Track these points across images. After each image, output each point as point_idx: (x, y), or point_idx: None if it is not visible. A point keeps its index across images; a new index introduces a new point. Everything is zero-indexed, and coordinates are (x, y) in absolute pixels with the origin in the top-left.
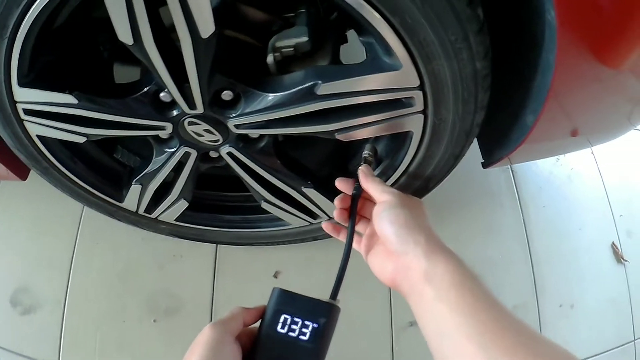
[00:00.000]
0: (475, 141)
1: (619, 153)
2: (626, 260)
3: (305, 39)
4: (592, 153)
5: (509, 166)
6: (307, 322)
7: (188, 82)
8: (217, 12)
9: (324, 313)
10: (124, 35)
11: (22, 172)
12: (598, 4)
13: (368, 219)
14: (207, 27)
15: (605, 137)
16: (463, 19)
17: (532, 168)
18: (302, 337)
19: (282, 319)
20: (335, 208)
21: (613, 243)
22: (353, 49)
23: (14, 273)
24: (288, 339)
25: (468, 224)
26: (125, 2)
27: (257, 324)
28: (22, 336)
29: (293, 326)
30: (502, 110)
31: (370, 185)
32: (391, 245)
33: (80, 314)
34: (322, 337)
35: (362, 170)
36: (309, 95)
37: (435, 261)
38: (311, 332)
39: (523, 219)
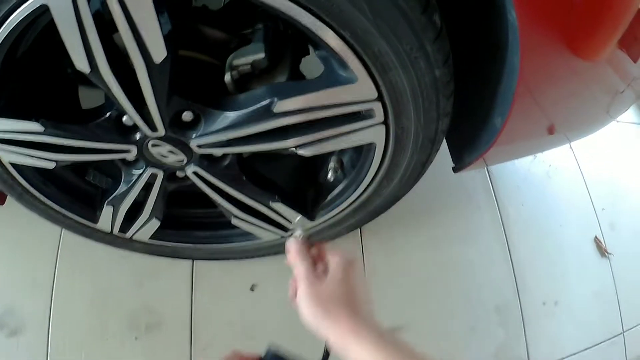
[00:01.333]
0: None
1: (598, 146)
2: (610, 254)
3: (262, 55)
4: (571, 148)
5: (484, 167)
6: None
7: (147, 105)
8: (170, 34)
9: None
10: (81, 63)
11: None
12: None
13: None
14: (159, 52)
15: (584, 131)
16: (417, 28)
17: (509, 167)
18: None
19: None
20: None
21: (596, 237)
22: (316, 60)
23: None
24: None
25: (446, 228)
26: (79, 31)
27: None
28: (10, 358)
29: None
30: (469, 114)
31: (294, 265)
32: (309, 325)
33: (64, 334)
34: None
35: (293, 248)
36: (267, 113)
37: (358, 325)
38: None
39: (501, 219)
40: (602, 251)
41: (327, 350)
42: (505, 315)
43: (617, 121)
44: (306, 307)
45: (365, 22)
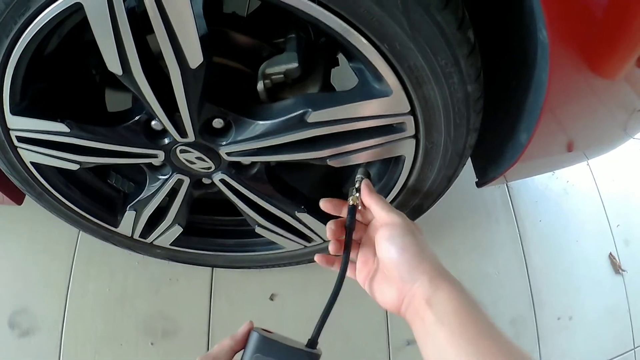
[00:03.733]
0: (469, 159)
1: (615, 164)
2: (624, 270)
3: (295, 65)
4: (588, 165)
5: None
6: None
7: (178, 111)
8: (206, 39)
9: None
10: (113, 65)
11: (17, 197)
12: (590, 20)
13: (358, 244)
14: (195, 57)
15: (601, 149)
16: (453, 43)
17: (528, 182)
18: None
19: None
20: (329, 240)
21: (610, 254)
22: (345, 72)
23: (12, 295)
24: None
25: (464, 240)
26: (114, 33)
27: None
28: (21, 359)
29: None
30: (495, 129)
31: (374, 202)
32: (398, 273)
33: (77, 337)
34: None
35: (366, 185)
36: (300, 123)
37: (438, 288)
38: None
39: (519, 234)
40: (616, 267)
41: (316, 335)
42: (521, 330)
43: (634, 139)
44: (407, 242)
45: (404, 36)
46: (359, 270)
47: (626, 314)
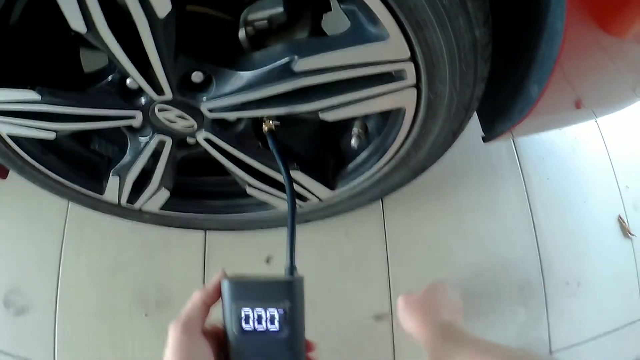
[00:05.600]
0: (475, 113)
1: (624, 122)
2: (633, 235)
3: (280, 9)
4: (596, 122)
5: (510, 138)
6: (271, 311)
7: (152, 66)
8: None
9: (285, 294)
10: (76, 23)
11: (0, 171)
12: None
13: None
14: (163, 5)
15: (610, 108)
16: None
17: (535, 139)
18: (272, 328)
19: (243, 316)
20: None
21: (619, 216)
22: (339, 18)
23: (5, 274)
24: (257, 335)
25: (469, 198)
26: None
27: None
28: (17, 337)
29: (257, 319)
30: (504, 80)
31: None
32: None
33: (72, 313)
34: (292, 321)
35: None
36: (286, 72)
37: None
38: (279, 320)
39: (526, 192)
40: (625, 231)
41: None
42: (529, 295)
43: None
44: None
45: None
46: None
47: (635, 282)
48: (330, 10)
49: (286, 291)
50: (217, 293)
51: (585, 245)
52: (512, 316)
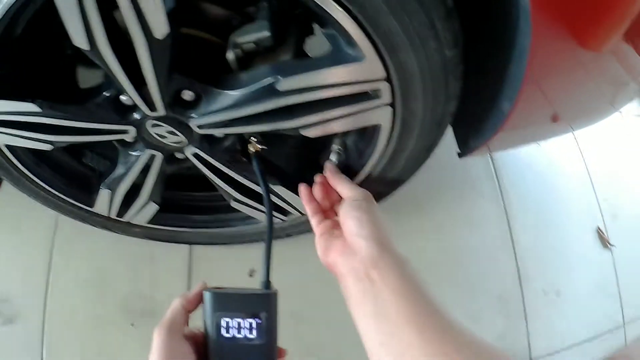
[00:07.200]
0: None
1: (601, 135)
2: (612, 245)
3: (266, 34)
4: (574, 137)
5: (487, 153)
6: (248, 321)
7: (146, 84)
8: (173, 9)
9: (262, 305)
10: (79, 40)
11: None
12: None
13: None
14: (161, 27)
15: (587, 121)
16: (428, 5)
17: (513, 154)
18: (249, 335)
19: (223, 324)
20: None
21: (598, 228)
22: (321, 42)
23: None
24: (236, 342)
25: (449, 214)
26: (78, 6)
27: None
28: (5, 346)
29: (236, 328)
30: (476, 97)
31: (337, 182)
32: (351, 228)
33: (60, 322)
34: (267, 330)
35: (329, 168)
36: (270, 91)
37: (385, 251)
38: (256, 329)
39: (504, 207)
40: (605, 242)
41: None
42: (507, 304)
43: (621, 112)
44: (365, 207)
45: None
46: (320, 227)
47: (615, 290)
48: (313, 34)
49: (263, 302)
50: (197, 301)
51: (565, 257)
52: (492, 325)
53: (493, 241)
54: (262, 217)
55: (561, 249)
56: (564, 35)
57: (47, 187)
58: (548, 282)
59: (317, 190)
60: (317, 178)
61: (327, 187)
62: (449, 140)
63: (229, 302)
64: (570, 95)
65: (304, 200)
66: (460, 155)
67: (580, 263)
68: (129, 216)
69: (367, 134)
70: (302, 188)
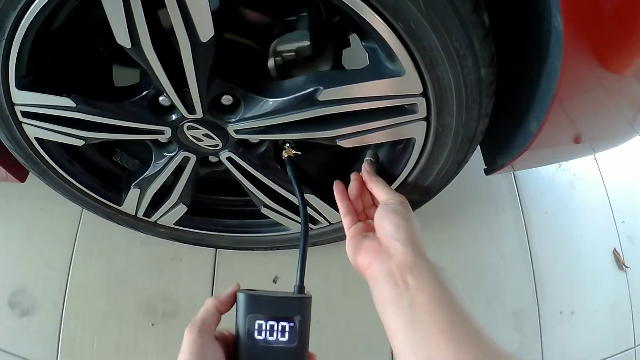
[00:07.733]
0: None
1: (622, 159)
2: (627, 267)
3: (306, 43)
4: (595, 159)
5: (511, 172)
6: (282, 324)
7: (187, 86)
8: (217, 15)
9: (296, 309)
10: (122, 38)
11: (20, 174)
12: (604, 10)
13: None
14: (206, 31)
15: (608, 143)
16: (468, 25)
17: (535, 173)
18: (281, 339)
19: (256, 326)
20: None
21: (614, 249)
22: (356, 53)
23: (12, 274)
24: (268, 345)
25: (470, 229)
26: (123, 4)
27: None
28: (20, 338)
29: (269, 330)
30: (505, 116)
31: (374, 184)
32: (387, 231)
33: (77, 316)
34: (300, 334)
35: (366, 169)
36: (310, 101)
37: (421, 257)
38: (289, 332)
39: (525, 224)
40: (620, 264)
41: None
42: (523, 322)
43: None
44: (404, 212)
45: (419, 15)
46: (353, 229)
47: (628, 311)
48: (350, 46)
49: (297, 306)
50: (230, 302)
51: (581, 276)
52: (507, 341)
53: (512, 257)
54: (290, 225)
55: (577, 268)
56: (592, 58)
57: (75, 182)
58: (564, 300)
59: (352, 188)
60: (353, 175)
61: (362, 188)
62: (473, 155)
63: (263, 304)
64: (593, 116)
65: (337, 197)
66: (487, 172)
67: (595, 283)
68: (157, 216)
69: (400, 146)
70: (337, 184)
